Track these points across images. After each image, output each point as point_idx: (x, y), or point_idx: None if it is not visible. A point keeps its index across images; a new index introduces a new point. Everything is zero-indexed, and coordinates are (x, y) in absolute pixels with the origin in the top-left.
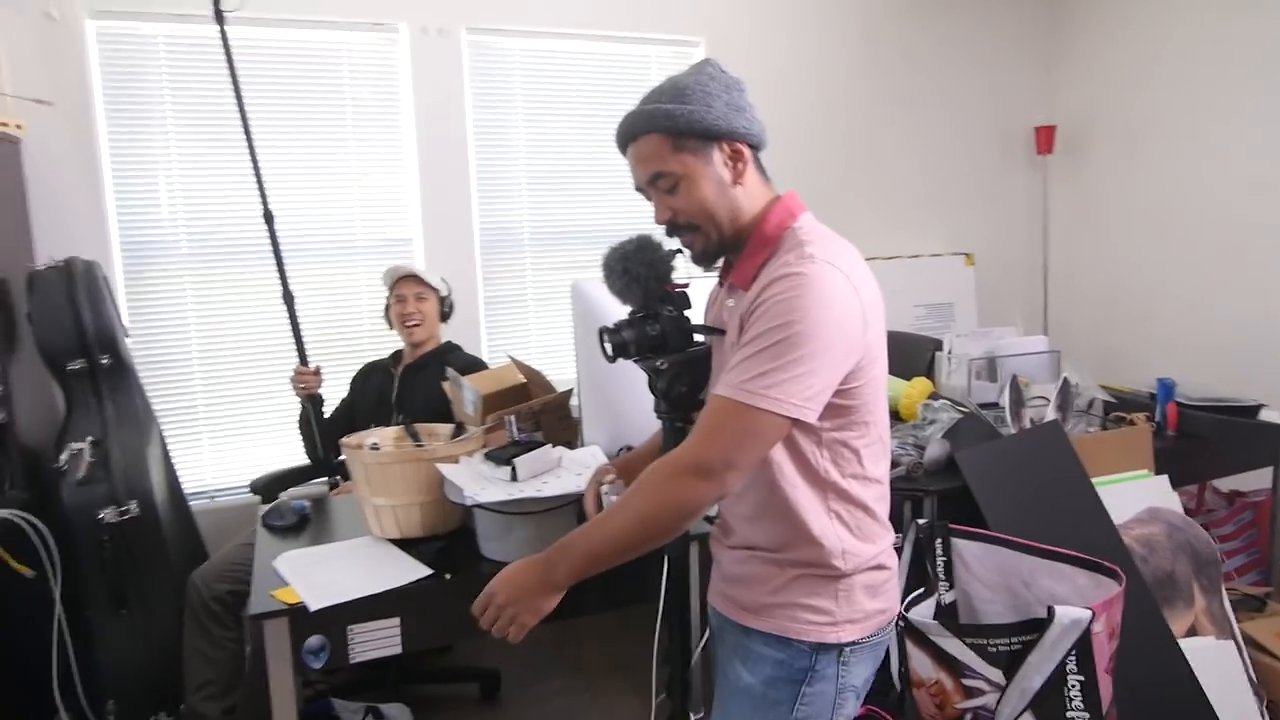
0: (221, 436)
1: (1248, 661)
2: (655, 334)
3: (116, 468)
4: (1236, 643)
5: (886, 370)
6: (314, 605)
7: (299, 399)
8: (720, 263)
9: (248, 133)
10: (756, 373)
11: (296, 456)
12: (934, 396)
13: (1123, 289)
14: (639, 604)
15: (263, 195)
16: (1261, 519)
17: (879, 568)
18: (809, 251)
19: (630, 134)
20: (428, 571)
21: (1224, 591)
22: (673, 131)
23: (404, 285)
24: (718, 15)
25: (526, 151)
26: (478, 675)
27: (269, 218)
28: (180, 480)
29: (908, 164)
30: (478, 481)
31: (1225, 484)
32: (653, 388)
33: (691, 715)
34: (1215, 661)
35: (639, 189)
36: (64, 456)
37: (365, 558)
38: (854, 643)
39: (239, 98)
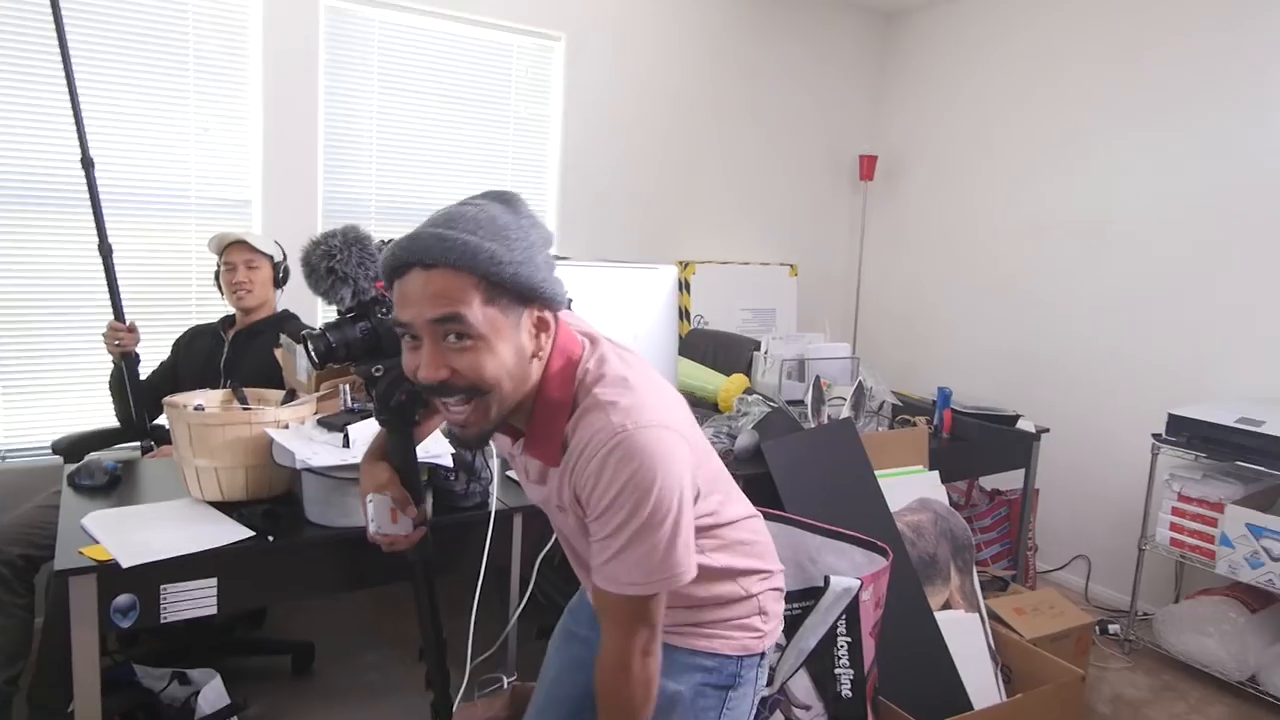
0: (19, 393)
1: (989, 632)
2: (367, 336)
3: None
4: (981, 616)
5: (717, 457)
6: (126, 562)
7: (111, 357)
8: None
9: (68, 71)
10: (636, 562)
11: (104, 418)
12: (749, 391)
13: (919, 307)
14: (451, 575)
15: (82, 140)
16: (1014, 514)
17: (775, 573)
18: (616, 421)
19: (435, 260)
20: (249, 533)
21: (975, 572)
22: (492, 279)
23: (233, 252)
24: (583, 15)
25: (379, 125)
26: (290, 647)
27: (88, 164)
28: None
29: (746, 177)
30: (309, 446)
31: (989, 482)
32: (370, 394)
33: (505, 679)
34: (963, 631)
35: (402, 323)
36: None
37: (183, 518)
38: (771, 645)
39: (60, 31)
